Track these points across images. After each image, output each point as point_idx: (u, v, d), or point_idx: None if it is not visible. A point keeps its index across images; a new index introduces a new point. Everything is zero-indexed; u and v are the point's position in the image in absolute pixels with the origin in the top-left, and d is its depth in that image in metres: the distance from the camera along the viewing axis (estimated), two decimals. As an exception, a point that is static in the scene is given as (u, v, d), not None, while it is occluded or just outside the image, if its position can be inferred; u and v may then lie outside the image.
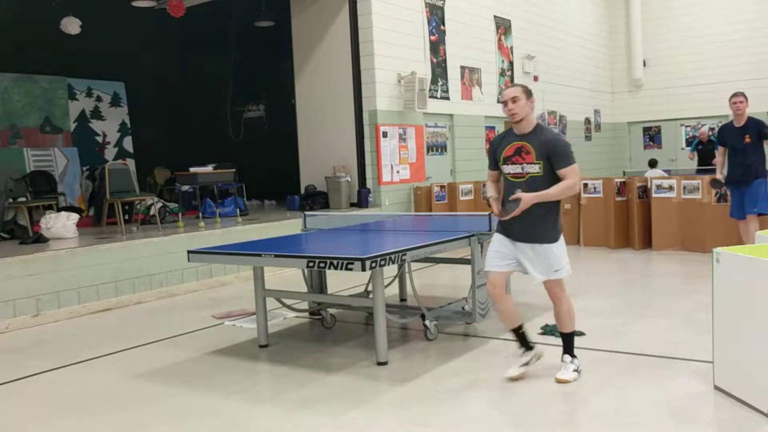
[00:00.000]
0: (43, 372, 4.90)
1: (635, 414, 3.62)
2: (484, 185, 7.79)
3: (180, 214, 9.59)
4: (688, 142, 17.90)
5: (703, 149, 14.54)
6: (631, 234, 9.51)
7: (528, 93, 4.07)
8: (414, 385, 4.22)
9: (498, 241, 4.21)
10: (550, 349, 4.92)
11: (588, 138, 17.33)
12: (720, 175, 7.64)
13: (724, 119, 17.41)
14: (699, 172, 13.48)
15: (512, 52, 14.33)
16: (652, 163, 14.35)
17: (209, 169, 10.64)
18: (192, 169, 9.88)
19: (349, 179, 10.83)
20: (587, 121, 17.56)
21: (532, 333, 5.29)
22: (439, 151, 12.31)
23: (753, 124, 7.27)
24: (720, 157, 7.64)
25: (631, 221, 9.55)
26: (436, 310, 5.39)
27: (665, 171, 13.57)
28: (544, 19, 15.53)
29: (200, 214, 9.44)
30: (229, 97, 16.17)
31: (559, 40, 16.11)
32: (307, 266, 4.64)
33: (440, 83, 12.10)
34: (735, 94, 7.32)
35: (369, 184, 10.89)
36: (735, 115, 7.36)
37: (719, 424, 3.47)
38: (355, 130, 10.87)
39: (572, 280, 7.50)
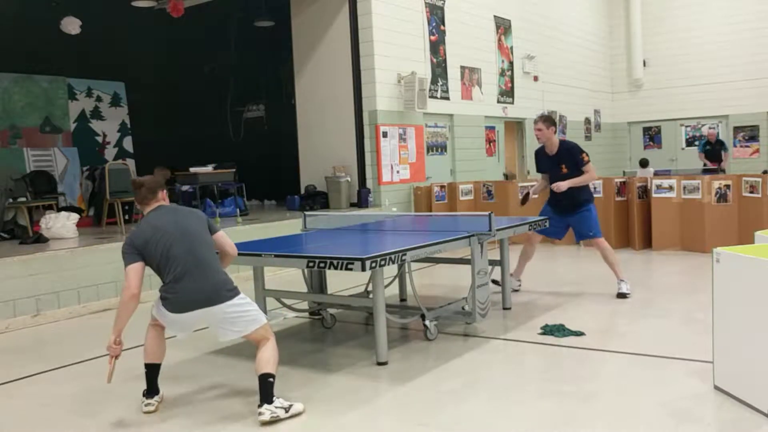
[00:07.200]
0: (43, 372, 4.90)
1: (635, 414, 3.62)
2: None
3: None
4: (689, 143, 17.90)
5: (711, 149, 14.57)
6: (631, 234, 9.51)
7: None
8: (414, 385, 4.22)
9: None
10: (550, 349, 4.92)
11: (588, 138, 17.32)
12: (534, 195, 6.87)
13: (724, 119, 17.49)
14: (705, 171, 13.48)
15: (512, 52, 14.32)
16: (644, 163, 14.39)
17: (209, 169, 10.64)
18: (192, 169, 9.86)
19: (349, 179, 10.82)
20: (587, 121, 17.55)
21: (533, 333, 5.30)
22: (439, 151, 12.31)
23: (566, 151, 6.48)
24: (541, 182, 6.81)
25: (631, 221, 9.55)
26: (436, 310, 5.39)
27: (665, 171, 13.58)
28: (544, 19, 15.52)
29: (200, 214, 9.41)
30: (229, 97, 16.16)
31: (559, 40, 16.10)
32: (307, 266, 4.64)
33: (440, 83, 12.09)
34: (535, 121, 6.56)
35: (369, 184, 10.88)
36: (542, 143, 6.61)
37: (719, 424, 3.47)
38: (355, 130, 10.86)
39: (572, 280, 7.52)
